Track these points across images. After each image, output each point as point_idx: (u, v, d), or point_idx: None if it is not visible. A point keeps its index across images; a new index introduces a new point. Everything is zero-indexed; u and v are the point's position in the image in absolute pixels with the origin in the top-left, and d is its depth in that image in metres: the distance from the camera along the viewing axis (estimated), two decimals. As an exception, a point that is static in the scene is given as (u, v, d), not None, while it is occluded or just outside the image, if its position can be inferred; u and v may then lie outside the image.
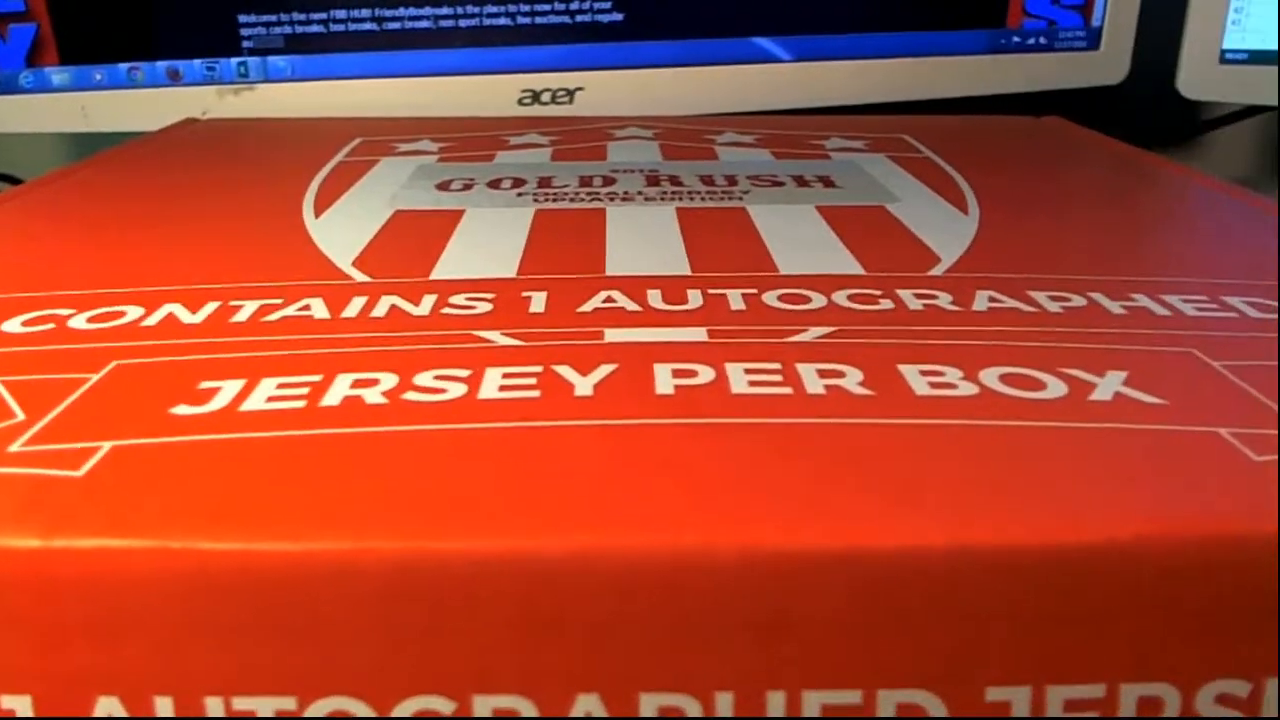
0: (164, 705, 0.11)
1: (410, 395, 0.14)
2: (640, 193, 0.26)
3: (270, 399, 0.14)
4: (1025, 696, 0.11)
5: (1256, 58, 0.45)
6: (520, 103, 0.45)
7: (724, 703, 0.11)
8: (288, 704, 0.11)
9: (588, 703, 0.11)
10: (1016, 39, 0.47)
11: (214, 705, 0.11)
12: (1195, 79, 0.46)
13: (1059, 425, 0.13)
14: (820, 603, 0.10)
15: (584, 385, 0.14)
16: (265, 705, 0.11)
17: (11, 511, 0.11)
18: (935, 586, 0.10)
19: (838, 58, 0.46)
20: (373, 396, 0.14)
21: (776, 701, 0.11)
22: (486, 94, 0.44)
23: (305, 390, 0.14)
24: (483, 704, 0.11)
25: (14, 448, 0.12)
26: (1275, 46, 0.44)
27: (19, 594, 0.11)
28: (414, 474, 0.12)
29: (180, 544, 0.10)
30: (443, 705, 0.11)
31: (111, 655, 0.11)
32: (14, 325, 0.17)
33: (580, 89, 0.45)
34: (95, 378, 0.14)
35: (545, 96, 0.45)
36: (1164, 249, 0.21)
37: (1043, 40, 0.47)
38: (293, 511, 0.11)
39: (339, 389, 0.14)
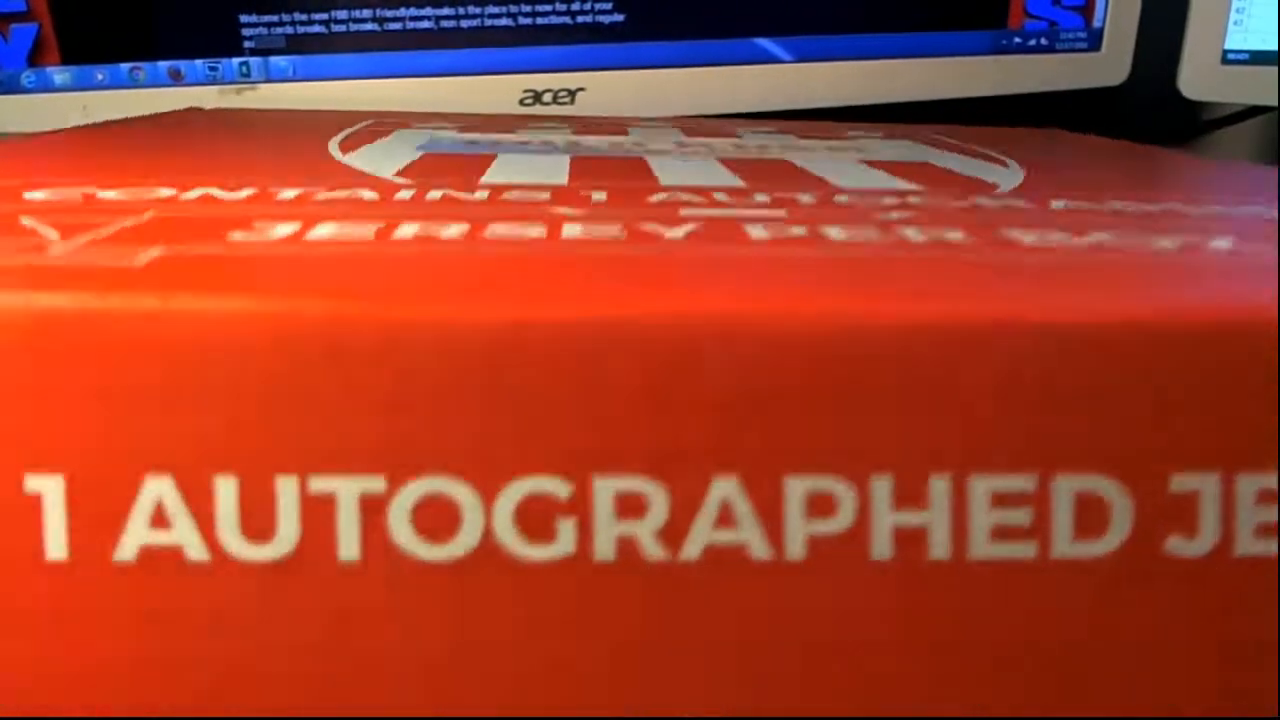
0: (226, 487, 0.09)
1: (487, 234, 0.13)
2: (679, 144, 0.25)
3: (334, 235, 0.12)
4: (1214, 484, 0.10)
5: (1258, 58, 0.45)
6: (522, 103, 0.44)
7: (881, 488, 0.09)
8: (375, 485, 0.09)
9: (725, 488, 0.09)
10: (1018, 40, 0.47)
11: (286, 486, 0.09)
12: (1197, 79, 0.46)
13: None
14: (987, 374, 0.09)
15: (674, 233, 0.13)
16: (348, 487, 0.09)
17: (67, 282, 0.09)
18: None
19: (839, 58, 0.46)
20: (447, 234, 0.13)
21: (940, 488, 0.09)
22: (488, 94, 0.44)
23: (372, 230, 0.13)
24: (604, 487, 0.09)
25: (55, 252, 0.11)
26: (1277, 47, 0.44)
27: (88, 354, 0.09)
28: (514, 264, 0.10)
29: (257, 306, 0.09)
30: (557, 488, 0.09)
31: (167, 426, 0.09)
32: (37, 194, 0.15)
33: (582, 89, 0.44)
34: (131, 221, 0.13)
35: (547, 97, 0.44)
36: (1216, 188, 0.21)
37: (1044, 41, 0.47)
38: (388, 280, 0.10)
39: (406, 231, 0.13)
